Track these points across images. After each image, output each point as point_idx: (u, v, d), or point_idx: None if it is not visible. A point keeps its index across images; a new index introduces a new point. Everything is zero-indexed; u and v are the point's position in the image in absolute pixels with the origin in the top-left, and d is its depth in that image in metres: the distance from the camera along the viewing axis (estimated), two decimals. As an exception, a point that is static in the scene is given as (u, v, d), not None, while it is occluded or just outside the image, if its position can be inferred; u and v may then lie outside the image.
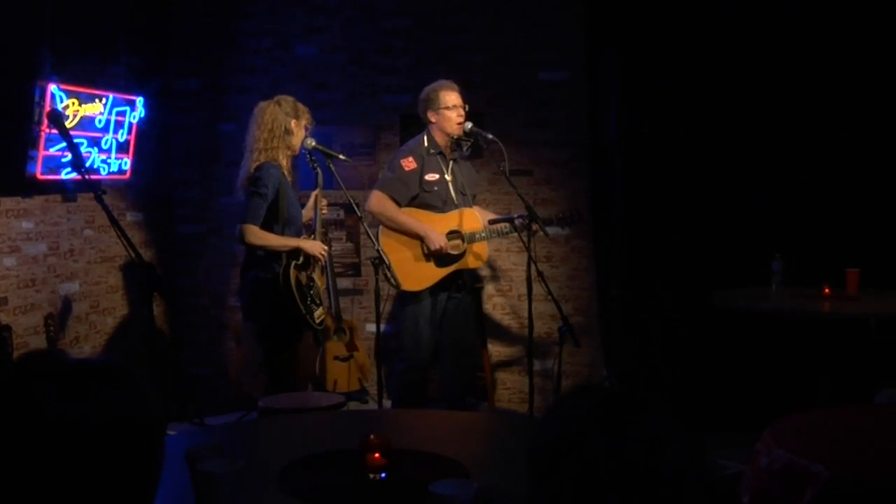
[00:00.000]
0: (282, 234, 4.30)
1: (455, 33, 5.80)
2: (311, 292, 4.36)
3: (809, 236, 5.08)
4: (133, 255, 3.11)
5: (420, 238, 4.56)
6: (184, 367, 6.05)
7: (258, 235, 4.24)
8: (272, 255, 4.29)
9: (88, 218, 5.19)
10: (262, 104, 4.43)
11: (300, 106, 4.43)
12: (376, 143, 5.91)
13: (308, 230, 4.53)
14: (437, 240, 4.54)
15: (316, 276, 4.41)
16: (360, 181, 5.63)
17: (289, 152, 4.40)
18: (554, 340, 5.07)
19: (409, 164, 4.60)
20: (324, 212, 4.61)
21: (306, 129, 4.44)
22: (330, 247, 4.75)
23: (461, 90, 4.68)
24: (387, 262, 4.31)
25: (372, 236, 4.32)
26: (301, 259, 4.31)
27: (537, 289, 4.41)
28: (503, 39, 5.75)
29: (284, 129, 4.34)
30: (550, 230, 4.66)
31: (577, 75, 5.64)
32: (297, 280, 4.27)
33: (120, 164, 5.17)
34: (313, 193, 4.59)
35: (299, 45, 5.97)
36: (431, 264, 4.59)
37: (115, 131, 5.07)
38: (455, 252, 4.61)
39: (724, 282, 4.96)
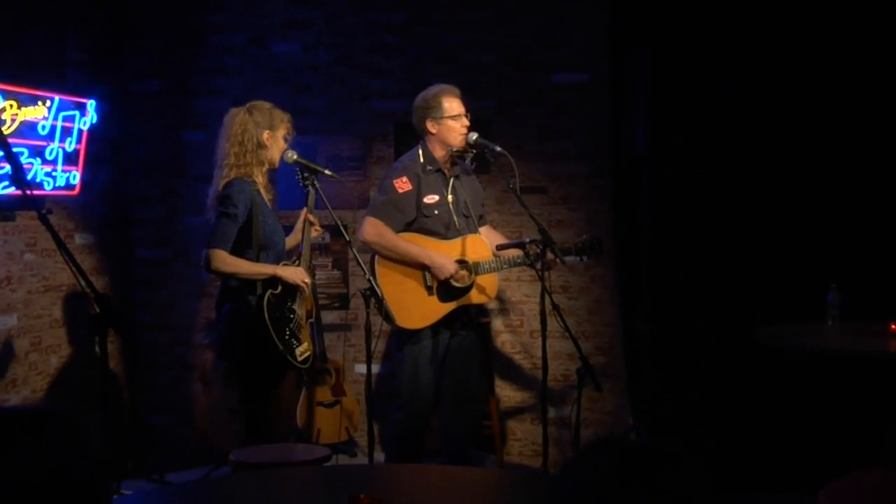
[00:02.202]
0: (256, 260, 4.30)
1: (458, 29, 5.84)
2: (292, 326, 4.36)
3: (871, 263, 5.08)
4: (83, 283, 3.12)
5: (423, 268, 4.57)
6: (142, 414, 6.04)
7: (227, 262, 4.24)
8: (246, 284, 4.29)
9: (29, 240, 5.20)
10: (232, 111, 4.44)
11: (277, 113, 4.43)
12: (367, 156, 5.94)
13: (292, 257, 4.52)
14: (447, 267, 4.54)
15: (297, 307, 4.41)
16: (349, 200, 5.66)
17: (265, 167, 4.41)
18: (572, 384, 5.06)
19: (402, 184, 4.59)
20: (315, 233, 4.60)
21: (285, 139, 4.45)
22: (314, 275, 4.75)
23: (464, 96, 4.70)
24: (380, 294, 4.30)
25: (362, 263, 4.33)
26: (279, 288, 4.31)
27: (552, 324, 4.41)
28: (513, 37, 5.78)
29: (257, 141, 4.35)
30: (568, 259, 4.67)
31: (600, 78, 5.67)
32: (273, 312, 4.26)
33: (67, 178, 5.19)
34: (302, 213, 4.58)
35: (278, 42, 6.01)
36: (434, 299, 4.59)
37: (62, 139, 5.09)
38: (461, 284, 4.61)
39: (770, 316, 4.95)
